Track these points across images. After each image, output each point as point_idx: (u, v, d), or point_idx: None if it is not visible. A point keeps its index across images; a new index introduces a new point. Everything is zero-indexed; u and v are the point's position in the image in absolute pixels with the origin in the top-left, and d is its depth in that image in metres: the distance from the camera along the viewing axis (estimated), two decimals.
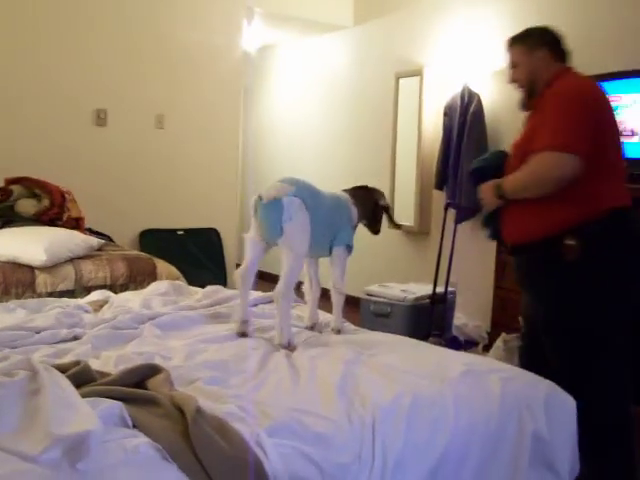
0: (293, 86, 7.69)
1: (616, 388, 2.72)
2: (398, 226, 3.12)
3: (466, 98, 5.27)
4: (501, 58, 5.16)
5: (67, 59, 5.18)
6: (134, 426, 1.67)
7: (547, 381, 2.27)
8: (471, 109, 5.22)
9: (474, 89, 5.28)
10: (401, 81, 6.02)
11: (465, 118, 5.24)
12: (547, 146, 2.63)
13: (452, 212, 5.22)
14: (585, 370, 2.68)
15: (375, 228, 3.08)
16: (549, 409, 2.16)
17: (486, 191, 2.90)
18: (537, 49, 2.91)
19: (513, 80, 3.02)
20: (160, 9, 5.57)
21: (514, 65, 3.00)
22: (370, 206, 3.03)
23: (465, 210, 5.17)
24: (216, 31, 5.86)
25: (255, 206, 2.54)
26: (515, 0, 5.14)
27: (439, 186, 5.55)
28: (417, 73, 5.84)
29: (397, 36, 6.22)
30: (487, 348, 4.82)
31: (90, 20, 5.26)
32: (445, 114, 5.47)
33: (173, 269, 4.14)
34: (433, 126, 5.77)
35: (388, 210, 3.07)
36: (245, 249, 2.64)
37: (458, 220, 5.15)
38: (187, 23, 5.70)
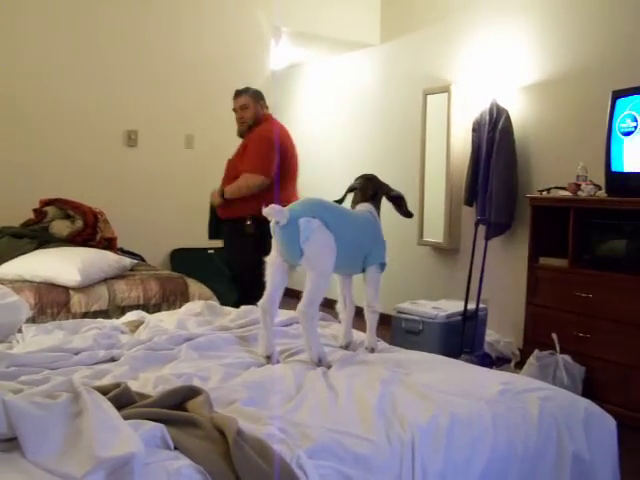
0: (321, 104, 7.73)
1: None
2: (410, 214, 3.17)
3: (494, 114, 5.25)
4: (528, 73, 5.20)
5: (99, 82, 5.26)
6: (176, 448, 1.67)
7: (586, 400, 2.26)
8: (499, 125, 5.20)
9: (502, 105, 5.27)
10: (429, 98, 6.02)
11: (494, 134, 5.23)
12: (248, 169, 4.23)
13: (482, 228, 5.20)
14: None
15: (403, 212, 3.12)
16: (589, 429, 2.14)
17: (214, 194, 4.40)
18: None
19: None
20: (188, 31, 5.64)
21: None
22: (381, 197, 3.11)
23: (495, 226, 5.15)
24: (244, 51, 5.92)
25: (273, 229, 2.56)
26: (541, 15, 5.13)
27: (468, 202, 5.53)
28: (445, 90, 5.83)
29: (424, 53, 6.23)
30: (519, 365, 4.78)
31: (121, 44, 5.34)
32: (474, 130, 5.46)
33: (205, 289, 4.16)
34: (462, 142, 5.76)
35: (401, 200, 3.09)
36: (267, 275, 2.61)
37: (488, 236, 5.12)
38: (215, 44, 5.77)
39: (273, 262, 2.59)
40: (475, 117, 5.48)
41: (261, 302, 2.59)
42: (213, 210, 4.57)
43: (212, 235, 4.66)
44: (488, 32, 5.55)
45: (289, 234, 2.51)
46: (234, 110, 4.50)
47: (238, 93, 4.48)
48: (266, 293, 2.59)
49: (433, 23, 6.14)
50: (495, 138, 5.21)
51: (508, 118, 5.21)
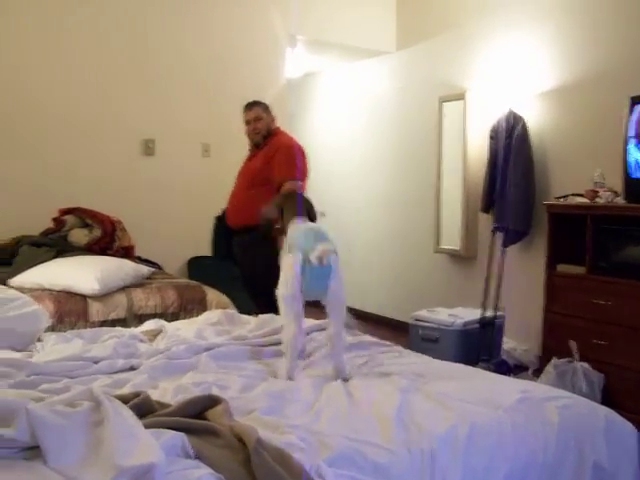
0: (336, 112, 7.74)
1: None
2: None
3: (511, 121, 5.24)
4: (545, 79, 5.19)
5: (117, 93, 5.29)
6: (196, 457, 1.68)
7: (606, 408, 2.25)
8: (516, 132, 5.19)
9: (518, 112, 5.26)
10: (445, 105, 6.02)
11: (510, 141, 5.21)
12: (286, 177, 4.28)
13: (499, 235, 5.19)
14: None
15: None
16: (609, 437, 2.13)
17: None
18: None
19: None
20: (204, 41, 5.66)
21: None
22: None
23: (513, 233, 5.13)
24: (260, 60, 5.95)
25: (303, 267, 2.54)
26: (557, 21, 5.12)
27: (485, 209, 5.52)
28: (460, 97, 5.83)
29: (440, 60, 6.23)
30: (537, 372, 4.76)
31: (137, 55, 5.37)
32: (491, 137, 5.45)
33: (223, 297, 4.17)
34: (478, 149, 5.75)
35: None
36: (288, 312, 2.58)
37: (506, 243, 5.12)
38: (231, 53, 5.79)
39: (297, 297, 2.56)
40: (492, 124, 5.47)
41: (292, 339, 2.54)
42: (219, 227, 4.69)
43: (222, 253, 4.74)
44: (504, 38, 5.54)
45: (327, 273, 2.55)
46: (246, 122, 4.59)
47: (250, 105, 4.60)
48: (295, 328, 2.55)
49: (449, 30, 6.14)
50: (512, 145, 5.19)
51: (525, 125, 5.19)
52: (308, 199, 3.10)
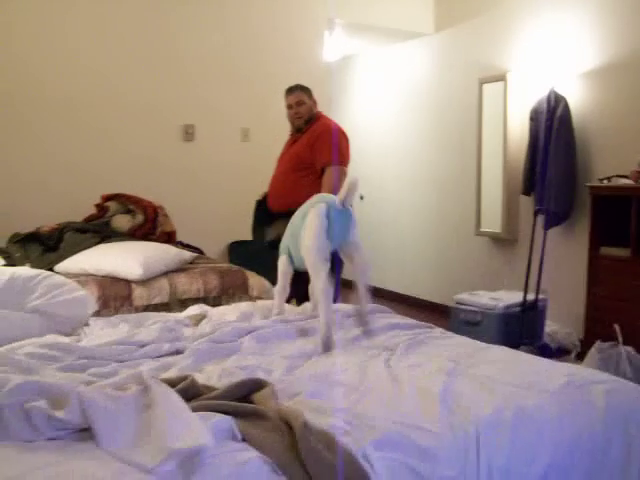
0: (375, 95, 7.71)
1: None
2: None
3: (552, 102, 5.17)
4: (587, 59, 5.10)
5: (157, 78, 5.33)
6: (243, 440, 1.70)
7: None
8: (558, 113, 5.12)
9: (560, 92, 5.18)
10: (485, 87, 5.96)
11: (552, 122, 5.14)
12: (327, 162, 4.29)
13: (541, 218, 5.14)
14: None
15: None
16: None
17: None
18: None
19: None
20: (243, 25, 5.68)
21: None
22: None
23: (554, 215, 5.08)
24: (298, 44, 5.94)
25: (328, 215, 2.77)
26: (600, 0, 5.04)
27: (526, 192, 5.46)
28: (501, 78, 5.77)
29: (479, 41, 6.17)
30: (580, 356, 4.72)
31: (177, 40, 5.40)
32: (531, 119, 5.38)
33: (264, 281, 4.19)
34: (519, 131, 5.69)
35: None
36: (318, 260, 2.73)
37: (547, 226, 5.07)
38: (270, 37, 5.80)
39: (325, 245, 2.74)
40: (533, 105, 5.40)
41: (323, 286, 2.68)
42: (260, 211, 4.67)
43: (263, 237, 4.69)
44: (545, 17, 5.46)
45: (349, 216, 2.79)
46: (288, 107, 4.58)
47: (291, 89, 4.59)
48: (326, 276, 2.70)
49: (488, 10, 6.07)
50: (553, 126, 5.13)
51: (567, 106, 5.12)
52: None
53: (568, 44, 5.25)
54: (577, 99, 5.18)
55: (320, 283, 2.66)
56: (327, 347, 2.56)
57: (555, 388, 2.11)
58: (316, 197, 3.03)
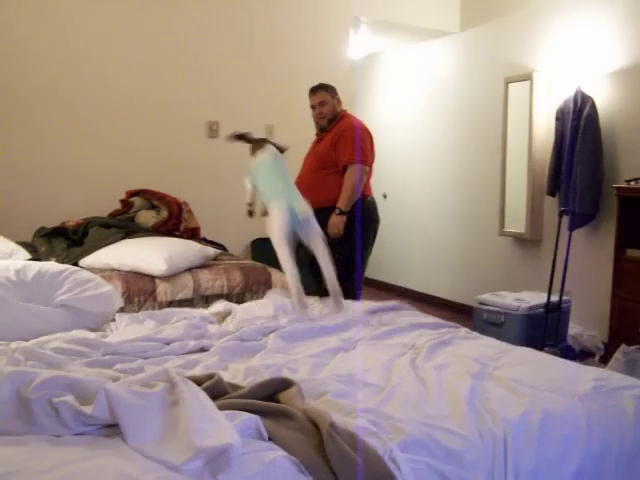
0: (400, 93, 7.68)
1: None
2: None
3: (579, 102, 5.12)
4: (615, 59, 5.05)
5: (182, 75, 5.34)
6: (270, 439, 1.70)
7: None
8: (585, 113, 5.07)
9: (587, 92, 5.14)
10: (510, 86, 5.92)
11: (578, 122, 5.10)
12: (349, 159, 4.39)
13: (565, 219, 5.10)
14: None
15: None
16: None
17: (335, 224, 4.39)
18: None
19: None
20: (267, 22, 5.67)
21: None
22: None
23: (580, 216, 5.04)
24: (323, 42, 5.93)
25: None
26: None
27: (551, 192, 5.42)
28: (527, 77, 5.73)
29: (505, 40, 6.12)
30: (604, 359, 4.68)
31: (201, 37, 5.40)
32: (557, 119, 5.34)
33: (287, 278, 4.19)
34: (544, 131, 5.65)
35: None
36: (285, 252, 3.25)
37: (572, 227, 5.03)
38: (295, 35, 5.79)
39: (289, 239, 3.28)
40: (559, 105, 5.36)
41: (292, 274, 3.23)
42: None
43: None
44: (572, 16, 5.41)
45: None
46: (312, 107, 4.61)
47: (315, 90, 4.61)
48: (293, 266, 3.24)
49: (514, 8, 6.02)
50: (580, 127, 5.09)
51: (594, 106, 5.07)
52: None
53: (596, 44, 5.20)
54: (604, 99, 5.13)
55: (289, 274, 3.21)
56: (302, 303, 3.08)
57: (583, 393, 2.09)
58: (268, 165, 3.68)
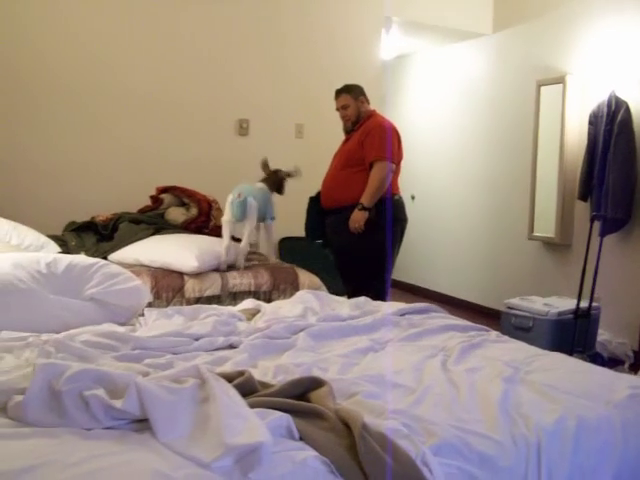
0: (430, 95, 7.64)
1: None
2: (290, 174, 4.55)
3: (613, 106, 5.06)
4: None
5: (213, 73, 5.37)
6: (301, 439, 1.68)
7: None
8: (618, 117, 5.01)
9: (621, 96, 5.07)
10: (543, 89, 5.87)
11: (612, 127, 5.04)
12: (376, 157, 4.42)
13: (596, 224, 5.04)
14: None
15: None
16: None
17: (357, 219, 4.40)
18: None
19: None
20: (300, 22, 5.67)
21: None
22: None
23: (612, 222, 4.97)
24: (355, 42, 5.92)
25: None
26: None
27: (583, 197, 5.36)
28: (560, 81, 5.67)
29: (538, 43, 6.06)
30: (633, 367, 4.62)
31: (232, 36, 5.41)
32: (590, 123, 5.28)
33: (315, 278, 4.18)
34: (577, 135, 5.59)
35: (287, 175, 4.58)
36: (226, 231, 4.06)
37: (604, 232, 4.96)
38: (326, 34, 5.78)
39: (231, 221, 4.11)
40: (592, 109, 5.30)
41: (226, 247, 4.01)
42: (313, 208, 4.75)
43: (316, 235, 4.82)
44: (606, 19, 5.35)
45: (244, 202, 4.07)
46: (337, 109, 4.66)
47: (337, 93, 4.65)
48: (229, 242, 4.04)
49: (548, 11, 5.96)
50: (613, 131, 5.03)
51: (628, 110, 5.01)
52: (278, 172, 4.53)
53: (630, 48, 5.13)
54: (639, 103, 5.06)
55: (224, 245, 4.00)
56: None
57: (619, 400, 2.04)
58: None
